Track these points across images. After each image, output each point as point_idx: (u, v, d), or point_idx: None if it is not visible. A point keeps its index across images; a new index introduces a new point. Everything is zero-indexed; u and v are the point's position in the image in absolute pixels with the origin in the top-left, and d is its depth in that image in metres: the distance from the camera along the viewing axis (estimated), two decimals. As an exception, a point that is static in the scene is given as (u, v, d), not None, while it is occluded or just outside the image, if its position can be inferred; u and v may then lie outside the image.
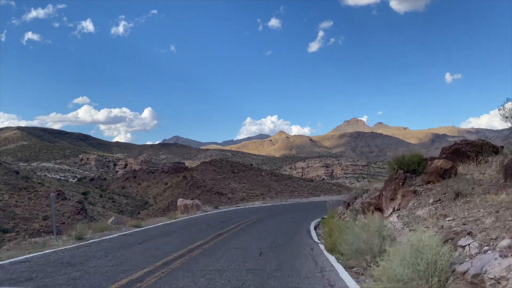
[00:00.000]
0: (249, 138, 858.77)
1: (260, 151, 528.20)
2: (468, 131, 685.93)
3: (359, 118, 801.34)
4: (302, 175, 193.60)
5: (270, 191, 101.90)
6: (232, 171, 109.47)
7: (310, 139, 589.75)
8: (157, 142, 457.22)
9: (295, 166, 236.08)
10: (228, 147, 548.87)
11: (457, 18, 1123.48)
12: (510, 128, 9.43)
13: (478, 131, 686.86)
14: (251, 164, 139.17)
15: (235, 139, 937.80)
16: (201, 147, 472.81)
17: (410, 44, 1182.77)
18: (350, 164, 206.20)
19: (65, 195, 63.93)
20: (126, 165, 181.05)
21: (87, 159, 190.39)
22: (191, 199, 30.20)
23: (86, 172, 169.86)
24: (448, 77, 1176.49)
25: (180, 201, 28.39)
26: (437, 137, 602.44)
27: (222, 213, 27.00)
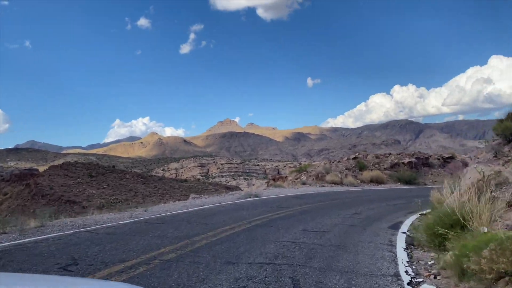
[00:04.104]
0: (118, 141, 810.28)
1: (130, 153, 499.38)
2: (328, 130, 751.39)
3: (232, 119, 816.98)
4: (176, 176, 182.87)
5: (137, 196, 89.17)
6: (90, 174, 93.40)
7: (184, 140, 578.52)
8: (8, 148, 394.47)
9: (168, 168, 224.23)
10: (93, 151, 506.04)
11: (316, 28, 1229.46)
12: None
13: (336, 129, 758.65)
14: (114, 166, 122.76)
15: (102, 142, 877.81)
16: (62, 152, 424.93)
17: (276, 50, 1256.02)
18: (226, 163, 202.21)
19: None
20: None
21: None
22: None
23: None
24: (309, 81, 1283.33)
25: None
26: (302, 136, 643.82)
27: None
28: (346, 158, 37.25)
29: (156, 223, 10.58)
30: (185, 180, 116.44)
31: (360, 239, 8.41)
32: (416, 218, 11.52)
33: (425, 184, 30.54)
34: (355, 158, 36.22)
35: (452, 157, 35.52)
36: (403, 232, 9.46)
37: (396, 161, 34.28)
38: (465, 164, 37.21)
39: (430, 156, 36.28)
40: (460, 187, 9.39)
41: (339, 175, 30.37)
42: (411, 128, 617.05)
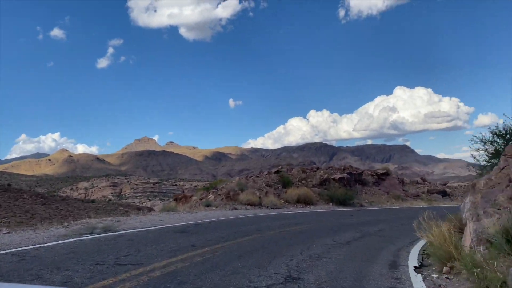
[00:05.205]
0: (23, 158, 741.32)
1: (36, 171, 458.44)
2: (249, 150, 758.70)
3: (151, 137, 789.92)
4: (85, 196, 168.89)
5: (34, 218, 76.38)
6: (-24, 194, 78.94)
7: (97, 158, 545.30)
8: None
9: (77, 187, 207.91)
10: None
11: (238, 51, 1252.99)
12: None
13: (256, 150, 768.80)
14: (9, 184, 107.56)
15: (4, 159, 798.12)
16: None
17: (198, 70, 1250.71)
18: (141, 182, 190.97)
19: None
20: None
21: None
22: None
23: None
24: (231, 102, 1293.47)
25: None
26: (222, 156, 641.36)
27: None
28: (266, 172, 30.91)
29: None
30: (93, 201, 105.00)
31: None
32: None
33: (362, 205, 26.54)
34: (277, 172, 30.09)
35: (387, 173, 32.60)
36: None
37: (326, 176, 29.58)
38: (402, 182, 34.95)
39: (363, 172, 32.95)
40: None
41: (258, 193, 24.19)
42: (326, 150, 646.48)
